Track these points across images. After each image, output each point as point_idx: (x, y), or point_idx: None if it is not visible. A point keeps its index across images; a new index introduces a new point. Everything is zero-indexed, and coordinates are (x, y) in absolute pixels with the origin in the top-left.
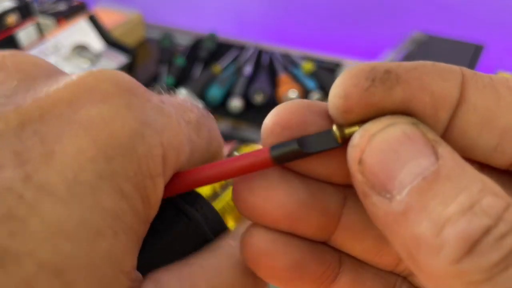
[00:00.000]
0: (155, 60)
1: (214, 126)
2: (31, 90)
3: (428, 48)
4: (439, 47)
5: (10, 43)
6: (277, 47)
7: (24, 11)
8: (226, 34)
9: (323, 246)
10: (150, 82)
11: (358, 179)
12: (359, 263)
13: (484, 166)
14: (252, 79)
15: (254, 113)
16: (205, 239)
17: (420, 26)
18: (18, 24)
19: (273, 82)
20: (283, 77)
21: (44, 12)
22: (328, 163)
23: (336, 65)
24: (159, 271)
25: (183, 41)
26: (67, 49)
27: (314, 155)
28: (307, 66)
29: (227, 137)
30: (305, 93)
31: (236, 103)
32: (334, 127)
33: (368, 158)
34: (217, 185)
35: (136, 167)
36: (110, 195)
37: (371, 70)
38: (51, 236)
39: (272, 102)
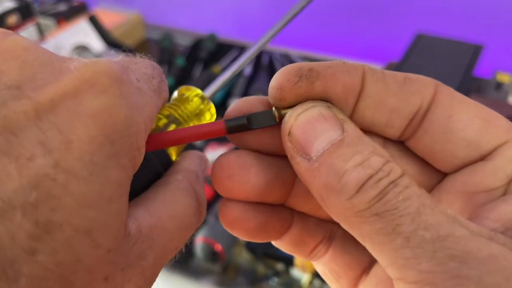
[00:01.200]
0: (155, 61)
1: (164, 77)
2: (33, 79)
3: (427, 48)
4: (439, 47)
5: None
6: (276, 48)
7: (25, 12)
8: (226, 34)
9: (279, 207)
10: None
11: (287, 146)
12: (306, 217)
13: (386, 139)
14: (252, 79)
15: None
16: (158, 173)
17: (420, 26)
18: (18, 25)
19: None
20: None
21: (44, 13)
22: (275, 139)
23: None
24: (131, 208)
25: (183, 41)
26: (68, 49)
27: (258, 129)
28: None
29: (226, 138)
30: None
31: None
32: (274, 109)
33: (294, 130)
34: (160, 122)
35: (129, 144)
36: (115, 169)
37: (299, 69)
38: (79, 207)
39: None
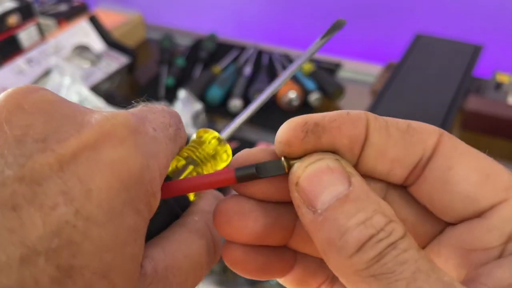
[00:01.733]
0: (156, 61)
1: (181, 124)
2: (57, 132)
3: (427, 49)
4: (439, 48)
5: (11, 43)
6: (276, 48)
7: (25, 12)
8: (226, 34)
9: (282, 248)
10: (151, 82)
11: (294, 196)
12: (309, 257)
13: (389, 184)
14: (251, 79)
15: (254, 114)
16: (176, 215)
17: (419, 27)
18: (19, 25)
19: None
20: None
21: (45, 13)
22: (280, 187)
23: (335, 65)
24: (148, 248)
25: (183, 41)
26: (68, 49)
27: (266, 178)
28: (307, 66)
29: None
30: (304, 94)
31: (236, 103)
32: (283, 159)
33: (302, 182)
34: (179, 164)
35: (145, 190)
36: (130, 215)
37: (305, 124)
38: (98, 251)
39: (271, 102)
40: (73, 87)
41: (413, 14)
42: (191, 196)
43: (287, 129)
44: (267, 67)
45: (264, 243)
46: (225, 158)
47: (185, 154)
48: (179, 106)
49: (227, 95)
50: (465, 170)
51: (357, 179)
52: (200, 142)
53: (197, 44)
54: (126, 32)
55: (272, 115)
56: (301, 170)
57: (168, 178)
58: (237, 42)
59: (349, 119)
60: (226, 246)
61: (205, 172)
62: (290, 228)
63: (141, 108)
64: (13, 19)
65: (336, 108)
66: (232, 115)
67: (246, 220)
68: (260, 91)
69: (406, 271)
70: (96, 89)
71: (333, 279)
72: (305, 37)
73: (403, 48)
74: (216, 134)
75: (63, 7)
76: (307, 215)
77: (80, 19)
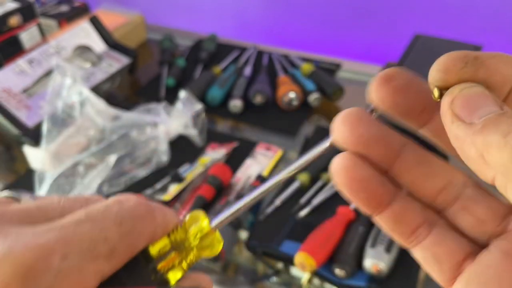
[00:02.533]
0: (156, 61)
1: (150, 214)
2: None
3: (426, 49)
4: (437, 48)
5: (13, 44)
6: (276, 49)
7: (27, 13)
8: (226, 35)
9: (385, 177)
10: (151, 83)
11: (449, 113)
12: (409, 198)
13: None
14: (251, 80)
15: (254, 114)
16: None
17: (418, 27)
18: (20, 26)
19: (273, 83)
20: (282, 78)
21: (46, 14)
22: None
23: (335, 66)
24: None
25: (184, 42)
26: (69, 50)
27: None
28: (306, 67)
29: (227, 138)
30: (304, 94)
31: (236, 104)
32: (435, 89)
33: (458, 99)
34: (164, 247)
35: None
36: None
37: (466, 56)
38: None
39: (271, 103)
40: (74, 88)
41: (412, 15)
42: (172, 278)
43: (447, 58)
44: (267, 67)
45: (368, 154)
46: (212, 251)
47: (173, 238)
48: (179, 107)
49: (227, 96)
50: None
51: (507, 108)
52: (189, 227)
53: (198, 45)
54: (127, 32)
55: (272, 115)
56: (458, 91)
57: (150, 259)
58: (237, 42)
59: (507, 59)
60: (340, 156)
61: (188, 261)
62: (395, 151)
63: (77, 220)
64: (14, 20)
65: (336, 108)
66: (232, 116)
67: (359, 126)
68: (260, 91)
69: None
70: (97, 89)
71: (432, 223)
72: (305, 38)
73: (402, 48)
74: (206, 224)
75: (64, 8)
76: (463, 127)
77: (81, 20)
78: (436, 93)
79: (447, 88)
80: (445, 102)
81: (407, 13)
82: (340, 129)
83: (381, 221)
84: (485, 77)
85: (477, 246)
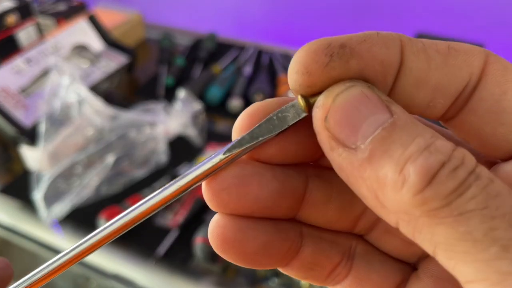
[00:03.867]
0: (155, 60)
1: None
2: None
3: None
4: None
5: (10, 43)
6: (276, 47)
7: (24, 11)
8: (226, 34)
9: (286, 224)
10: (150, 82)
11: (324, 135)
12: (319, 235)
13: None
14: (251, 79)
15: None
16: None
17: (420, 26)
18: (18, 24)
19: (273, 82)
20: (282, 77)
21: (44, 12)
22: (290, 143)
23: None
24: None
25: (183, 41)
26: (67, 49)
27: (284, 132)
28: None
29: (226, 137)
30: None
31: (235, 103)
32: (299, 98)
33: (333, 115)
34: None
35: None
36: None
37: (329, 46)
38: None
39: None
40: (72, 87)
41: (414, 13)
42: None
43: (305, 53)
44: (267, 66)
45: (268, 215)
46: None
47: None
48: (179, 106)
49: (227, 95)
50: None
51: (397, 107)
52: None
53: (197, 44)
54: (126, 31)
55: None
56: (330, 101)
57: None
58: (237, 41)
59: (380, 39)
60: (217, 222)
61: None
62: (301, 194)
63: None
64: (11, 19)
65: None
66: (232, 115)
67: (248, 185)
68: (260, 91)
69: (503, 206)
70: (95, 88)
71: (350, 255)
72: (305, 37)
73: None
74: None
75: (62, 7)
76: (346, 154)
77: (79, 18)
78: (302, 104)
79: (315, 95)
80: (316, 119)
81: (409, 12)
82: (224, 198)
83: (290, 272)
84: (359, 69)
85: (407, 267)
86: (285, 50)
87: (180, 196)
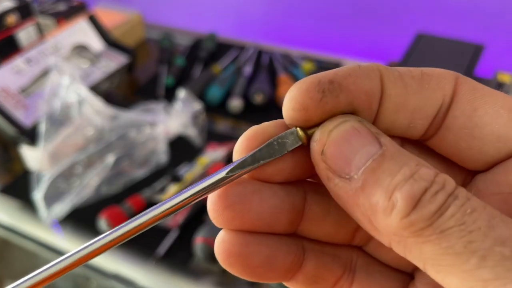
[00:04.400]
0: (155, 60)
1: None
2: None
3: (428, 48)
4: (439, 47)
5: (10, 43)
6: (277, 47)
7: (24, 11)
8: (226, 34)
9: (288, 238)
10: (150, 82)
11: (321, 167)
12: (320, 249)
13: (404, 139)
14: (252, 79)
15: (254, 113)
16: None
17: (420, 26)
18: (18, 24)
19: (273, 82)
20: (283, 77)
21: (44, 12)
22: (289, 164)
23: (336, 65)
24: None
25: (183, 41)
26: (67, 49)
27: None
28: (307, 66)
29: (226, 137)
30: None
31: (236, 103)
32: (298, 130)
33: (329, 149)
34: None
35: None
36: None
37: (319, 83)
38: None
39: (272, 102)
40: (72, 87)
41: (414, 13)
42: None
43: (299, 92)
44: (267, 66)
45: (270, 230)
46: None
47: None
48: (179, 106)
49: (227, 95)
50: (492, 110)
51: (385, 138)
52: None
53: (197, 44)
54: (126, 31)
55: (272, 115)
56: (326, 136)
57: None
58: (237, 41)
59: (362, 72)
60: (222, 238)
61: None
62: (300, 209)
63: None
64: (11, 19)
65: None
66: (232, 115)
67: (250, 203)
68: (260, 91)
69: (478, 220)
70: (95, 88)
71: (351, 268)
72: (306, 36)
73: (404, 47)
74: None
75: (62, 7)
76: (341, 184)
77: (79, 18)
78: (302, 136)
79: (311, 127)
80: (314, 153)
81: (409, 11)
82: (228, 215)
83: (296, 285)
84: (348, 102)
85: (405, 277)
86: (285, 50)
87: (182, 208)
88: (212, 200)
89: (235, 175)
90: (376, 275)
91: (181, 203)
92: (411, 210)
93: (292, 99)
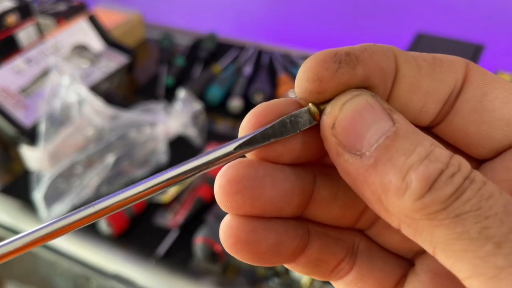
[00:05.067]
0: (155, 60)
1: None
2: None
3: (428, 48)
4: (440, 47)
5: (10, 43)
6: (277, 47)
7: (24, 11)
8: (226, 34)
9: (294, 222)
10: (150, 82)
11: (331, 141)
12: (324, 232)
13: None
14: (252, 79)
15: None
16: None
17: (420, 26)
18: (18, 24)
19: (273, 82)
20: (282, 77)
21: (44, 12)
22: (299, 144)
23: None
24: None
25: (183, 41)
26: (67, 49)
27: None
28: None
29: (226, 137)
30: None
31: (235, 103)
32: (312, 106)
33: (340, 122)
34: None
35: None
36: None
37: (336, 54)
38: None
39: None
40: (72, 87)
41: (414, 13)
42: None
43: (316, 62)
44: (267, 66)
45: (278, 215)
46: None
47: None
48: (179, 106)
49: (227, 95)
50: (502, 94)
51: (398, 115)
52: None
53: (197, 44)
54: (126, 31)
55: None
56: (338, 109)
57: None
58: (237, 41)
59: (378, 48)
60: (229, 223)
61: None
62: (309, 193)
63: None
64: (12, 19)
65: None
66: (232, 115)
67: (262, 188)
68: (260, 91)
69: (495, 205)
70: (95, 88)
71: (353, 251)
72: (306, 36)
73: (404, 47)
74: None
75: (62, 7)
76: (352, 160)
77: (79, 18)
78: (315, 111)
79: (322, 103)
80: (324, 126)
81: (409, 11)
82: (238, 200)
83: (295, 268)
84: (364, 76)
85: (406, 263)
86: (285, 50)
87: (183, 180)
88: (221, 184)
89: (242, 151)
90: (377, 259)
91: (183, 175)
92: (426, 192)
93: (308, 69)
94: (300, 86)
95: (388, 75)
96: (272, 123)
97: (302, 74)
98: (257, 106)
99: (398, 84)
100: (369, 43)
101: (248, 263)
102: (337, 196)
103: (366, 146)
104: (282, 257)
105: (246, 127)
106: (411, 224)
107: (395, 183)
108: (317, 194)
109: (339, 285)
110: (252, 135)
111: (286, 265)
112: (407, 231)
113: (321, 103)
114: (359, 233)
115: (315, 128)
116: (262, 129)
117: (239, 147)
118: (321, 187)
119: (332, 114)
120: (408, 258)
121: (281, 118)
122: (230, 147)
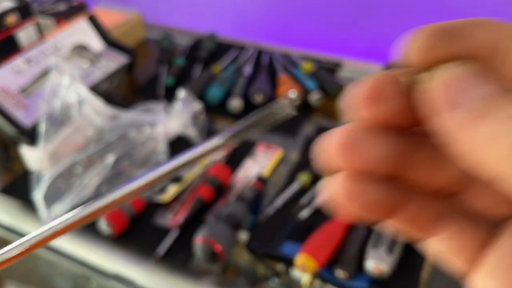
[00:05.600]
0: (155, 60)
1: None
2: None
3: None
4: None
5: (10, 43)
6: (277, 47)
7: (24, 11)
8: (226, 34)
9: (393, 182)
10: (150, 82)
11: (433, 98)
12: (420, 192)
13: None
14: (252, 79)
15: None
16: None
17: (420, 25)
18: (17, 24)
19: (273, 82)
20: (283, 77)
21: (43, 12)
22: (401, 109)
23: (336, 65)
24: None
25: (183, 41)
26: (67, 49)
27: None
28: (307, 66)
29: None
30: (305, 93)
31: (236, 103)
32: (423, 74)
33: (446, 81)
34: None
35: None
36: None
37: (445, 28)
38: None
39: (271, 102)
40: (72, 87)
41: (414, 13)
42: None
43: (425, 33)
44: (267, 66)
45: (387, 171)
46: None
47: None
48: (179, 106)
49: (227, 95)
50: None
51: (507, 82)
52: None
53: (197, 44)
54: (125, 31)
55: None
56: (443, 74)
57: None
58: (237, 41)
59: (487, 22)
60: (342, 176)
61: None
62: (411, 155)
63: None
64: (11, 19)
65: (338, 107)
66: (232, 115)
67: (377, 144)
68: (260, 91)
69: None
70: (95, 88)
71: (445, 213)
72: (306, 36)
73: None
74: None
75: (62, 7)
76: (453, 116)
77: (79, 18)
78: (427, 79)
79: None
80: (436, 88)
81: (409, 11)
82: (354, 154)
83: (394, 224)
84: (475, 48)
85: (494, 228)
86: (285, 50)
87: (176, 172)
88: (339, 142)
89: (229, 143)
90: (467, 222)
91: (179, 168)
92: None
93: (422, 36)
94: (410, 54)
95: (496, 52)
96: (258, 116)
97: (415, 42)
98: (372, 77)
99: (506, 59)
100: (480, 18)
101: (359, 217)
102: (435, 158)
103: (469, 103)
104: (384, 211)
105: (363, 101)
106: (510, 176)
107: (507, 130)
108: (416, 155)
109: (432, 244)
110: (238, 129)
111: (385, 222)
112: (505, 186)
113: (421, 71)
114: (451, 195)
115: (414, 95)
116: (247, 123)
117: (228, 138)
118: (421, 148)
119: (443, 76)
120: (498, 224)
121: (265, 111)
122: (220, 139)
